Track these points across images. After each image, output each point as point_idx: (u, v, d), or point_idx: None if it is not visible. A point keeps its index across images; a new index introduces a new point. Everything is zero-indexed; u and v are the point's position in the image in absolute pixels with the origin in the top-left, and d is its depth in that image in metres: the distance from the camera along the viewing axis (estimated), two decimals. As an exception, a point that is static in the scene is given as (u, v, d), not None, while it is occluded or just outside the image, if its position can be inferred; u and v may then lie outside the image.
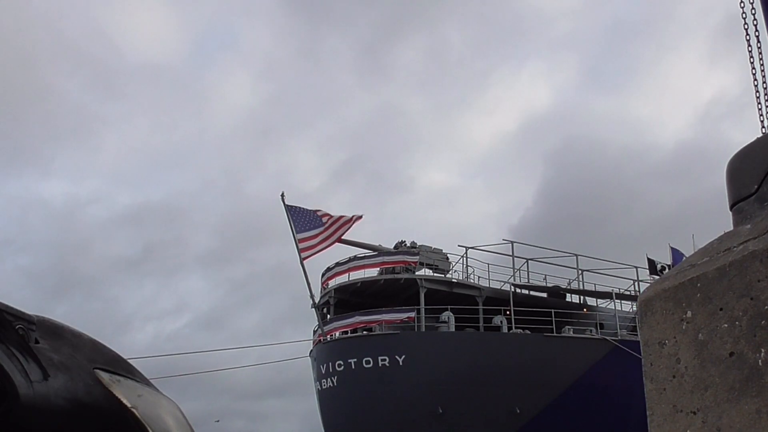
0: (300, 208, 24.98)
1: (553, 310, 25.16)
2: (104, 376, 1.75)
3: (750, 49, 3.26)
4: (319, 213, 24.91)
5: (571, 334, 25.74)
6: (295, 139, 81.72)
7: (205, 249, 73.25)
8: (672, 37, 77.63)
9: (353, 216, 25.11)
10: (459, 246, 27.56)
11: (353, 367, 23.72)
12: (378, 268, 26.01)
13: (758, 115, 3.17)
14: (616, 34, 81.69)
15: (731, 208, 2.56)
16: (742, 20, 3.33)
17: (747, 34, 3.28)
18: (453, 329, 25.02)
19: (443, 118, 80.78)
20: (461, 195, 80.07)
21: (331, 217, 24.97)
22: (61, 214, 75.77)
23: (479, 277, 27.11)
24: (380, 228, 75.91)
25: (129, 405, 1.72)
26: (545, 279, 28.50)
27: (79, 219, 75.32)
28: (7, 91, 74.41)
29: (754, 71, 3.24)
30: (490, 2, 78.57)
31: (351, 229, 25.20)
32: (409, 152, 78.85)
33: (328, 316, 25.96)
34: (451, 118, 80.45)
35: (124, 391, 1.75)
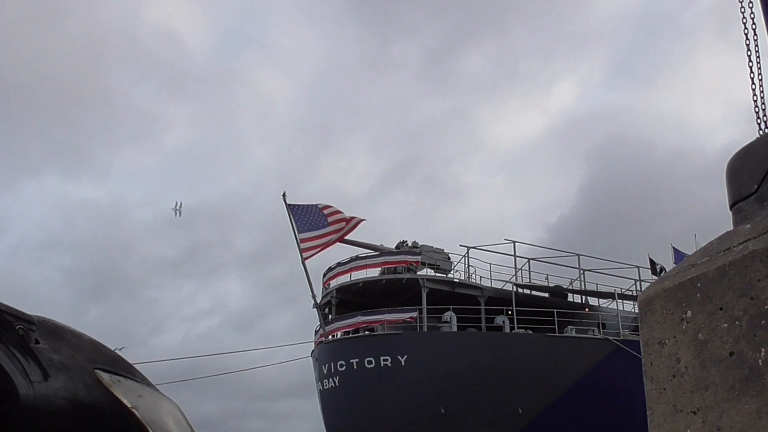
0: (304, 206, 24.73)
1: (555, 310, 25.12)
2: (104, 377, 1.75)
3: (748, 50, 3.25)
4: (325, 211, 24.64)
5: (574, 334, 25.71)
6: (352, 143, 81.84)
7: (249, 250, 72.63)
8: (729, 36, 76.93)
9: (354, 218, 24.99)
10: (461, 246, 27.57)
11: (355, 367, 23.71)
12: (380, 268, 26.00)
13: (755, 117, 3.17)
14: (664, 33, 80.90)
15: (731, 207, 2.56)
16: (741, 16, 3.32)
17: (745, 27, 3.27)
18: (455, 329, 25.00)
19: (496, 121, 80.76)
20: (502, 195, 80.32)
21: (336, 212, 24.76)
22: (109, 216, 75.58)
23: (481, 277, 27.12)
24: (427, 228, 75.70)
25: (129, 405, 1.73)
26: (547, 279, 28.50)
27: (126, 221, 75.14)
28: (74, 97, 74.57)
29: (752, 75, 3.23)
30: (555, 10, 78.18)
31: (355, 230, 25.05)
32: (465, 156, 78.95)
33: (330, 316, 25.97)
34: (502, 122, 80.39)
35: (124, 392, 1.75)
